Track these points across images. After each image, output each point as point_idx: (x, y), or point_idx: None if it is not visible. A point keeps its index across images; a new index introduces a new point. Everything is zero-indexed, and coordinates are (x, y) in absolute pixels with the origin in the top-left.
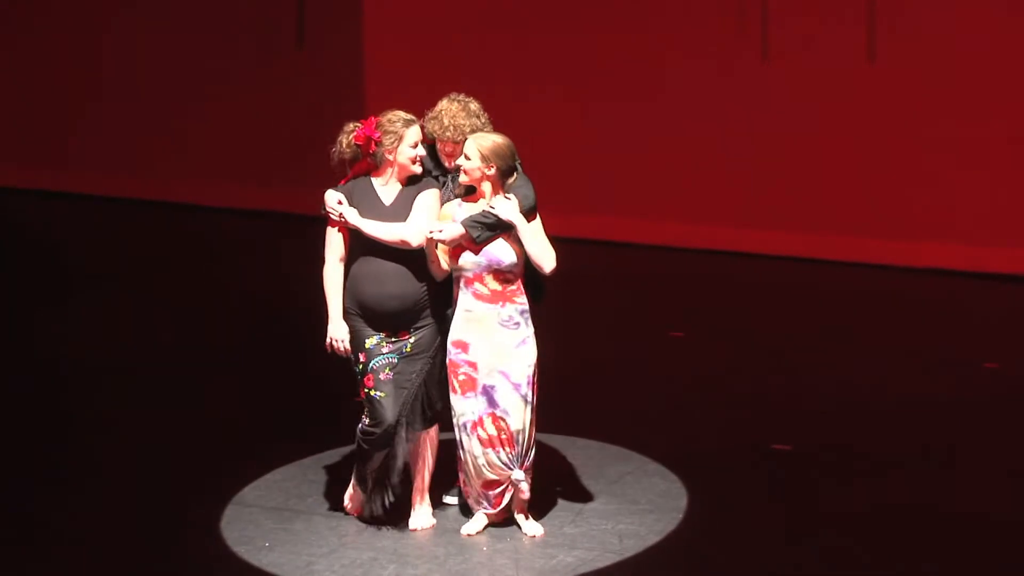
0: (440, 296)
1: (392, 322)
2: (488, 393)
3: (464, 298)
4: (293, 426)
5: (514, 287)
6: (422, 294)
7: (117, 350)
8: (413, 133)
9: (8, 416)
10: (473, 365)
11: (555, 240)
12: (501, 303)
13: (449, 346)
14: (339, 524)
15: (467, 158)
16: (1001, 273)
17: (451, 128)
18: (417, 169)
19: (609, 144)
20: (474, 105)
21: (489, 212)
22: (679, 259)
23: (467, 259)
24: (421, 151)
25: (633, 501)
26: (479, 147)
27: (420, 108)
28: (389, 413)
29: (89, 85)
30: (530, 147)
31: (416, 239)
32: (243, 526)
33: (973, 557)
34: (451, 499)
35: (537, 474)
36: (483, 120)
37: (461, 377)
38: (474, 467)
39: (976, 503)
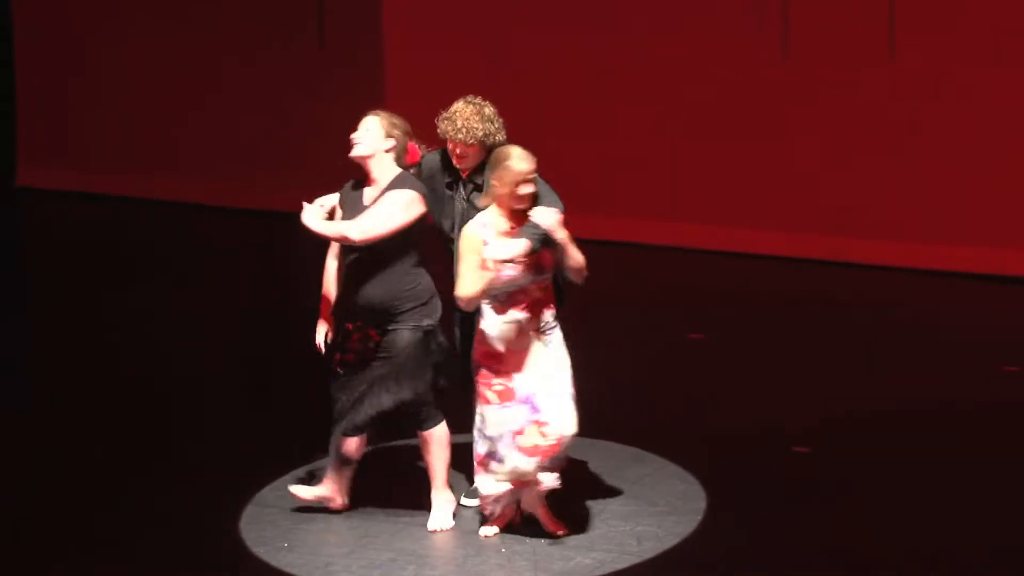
0: (417, 302)
1: (359, 318)
2: (530, 401)
3: (501, 310)
4: (312, 427)
5: (549, 293)
6: (390, 297)
7: (136, 351)
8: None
9: (30, 417)
10: (509, 375)
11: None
12: (543, 310)
13: (477, 360)
14: (358, 525)
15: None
16: (1023, 276)
17: (463, 130)
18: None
19: (628, 144)
20: (488, 110)
21: (537, 224)
22: (700, 261)
23: (515, 273)
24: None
25: (651, 503)
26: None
27: (439, 105)
28: (343, 395)
29: (110, 85)
30: (548, 147)
31: (357, 234)
32: (262, 527)
33: (993, 560)
34: (469, 501)
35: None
36: (496, 125)
37: (497, 387)
38: (510, 477)
39: (997, 508)
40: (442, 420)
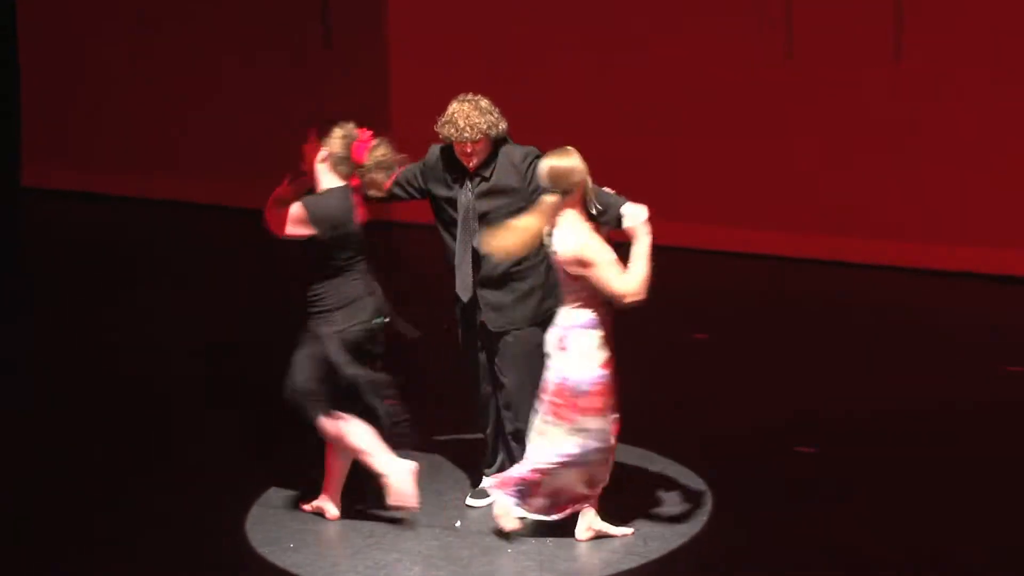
0: (319, 308)
1: None
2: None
3: (609, 315)
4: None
5: None
6: (308, 297)
7: (136, 351)
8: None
9: (30, 418)
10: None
11: None
12: None
13: (603, 368)
14: (364, 525)
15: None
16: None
17: (468, 128)
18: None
19: (630, 143)
20: (484, 102)
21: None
22: (703, 261)
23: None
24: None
25: (657, 503)
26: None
27: (443, 104)
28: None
29: (112, 86)
30: (550, 146)
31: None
32: (268, 527)
33: (993, 560)
34: (475, 502)
35: None
36: (496, 115)
37: (606, 397)
38: (594, 477)
39: (997, 508)
40: (327, 413)
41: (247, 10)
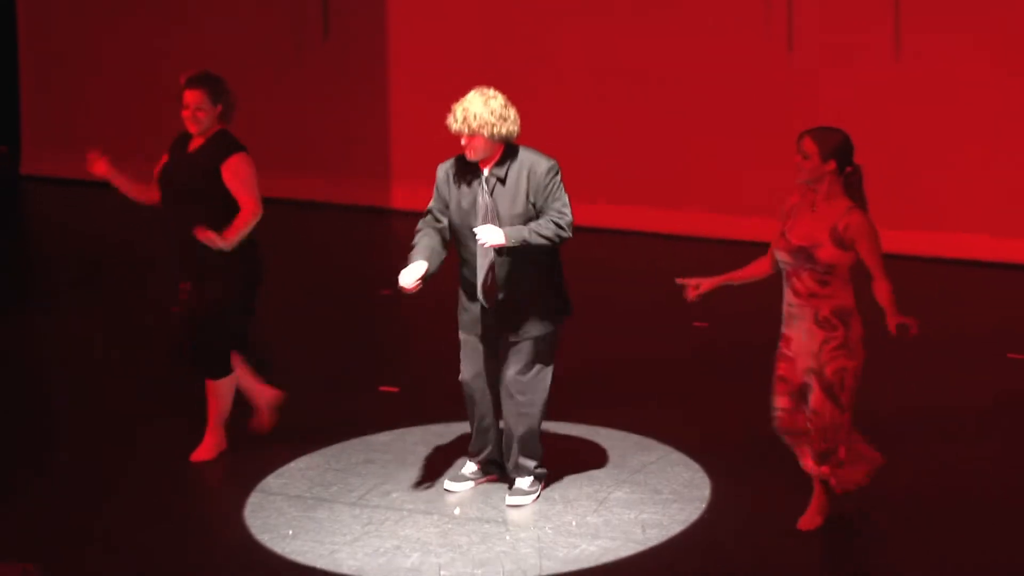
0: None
1: None
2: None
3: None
4: (317, 415)
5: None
6: None
7: (141, 340)
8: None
9: (32, 406)
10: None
11: (578, 229)
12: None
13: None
14: (362, 512)
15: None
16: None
17: (459, 120)
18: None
19: (632, 134)
20: (496, 103)
21: None
22: (703, 249)
23: None
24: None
25: (656, 491)
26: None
27: (441, 95)
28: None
29: (113, 75)
30: (553, 136)
31: None
32: (267, 514)
33: (1004, 548)
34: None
35: (561, 463)
36: (498, 117)
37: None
38: None
39: (1005, 493)
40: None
41: (247, 2)
